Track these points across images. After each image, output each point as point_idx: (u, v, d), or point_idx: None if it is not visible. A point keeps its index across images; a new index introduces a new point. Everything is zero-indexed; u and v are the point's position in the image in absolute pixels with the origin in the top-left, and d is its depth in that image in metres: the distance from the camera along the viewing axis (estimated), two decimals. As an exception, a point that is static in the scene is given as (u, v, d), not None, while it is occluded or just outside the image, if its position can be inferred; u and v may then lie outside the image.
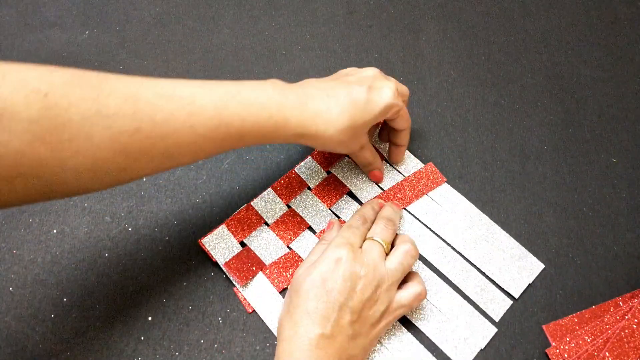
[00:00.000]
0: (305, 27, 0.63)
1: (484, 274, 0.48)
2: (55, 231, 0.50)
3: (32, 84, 0.32)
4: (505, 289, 0.48)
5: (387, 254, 0.44)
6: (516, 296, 0.47)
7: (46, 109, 0.32)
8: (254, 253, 0.48)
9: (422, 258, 0.49)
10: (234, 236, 0.49)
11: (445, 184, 0.52)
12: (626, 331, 0.46)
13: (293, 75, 0.59)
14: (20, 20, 0.61)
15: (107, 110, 0.34)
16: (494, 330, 0.46)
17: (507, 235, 0.50)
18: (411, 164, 0.53)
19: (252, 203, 0.50)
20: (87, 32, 0.61)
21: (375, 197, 0.51)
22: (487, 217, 0.51)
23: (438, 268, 0.48)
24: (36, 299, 0.46)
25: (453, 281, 0.48)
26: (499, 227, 0.50)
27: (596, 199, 0.53)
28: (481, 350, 0.45)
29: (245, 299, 0.47)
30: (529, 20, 0.64)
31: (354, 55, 0.61)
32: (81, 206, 0.51)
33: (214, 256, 0.48)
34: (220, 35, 0.62)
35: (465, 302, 0.47)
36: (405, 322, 0.46)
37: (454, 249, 0.49)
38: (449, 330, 0.46)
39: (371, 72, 0.46)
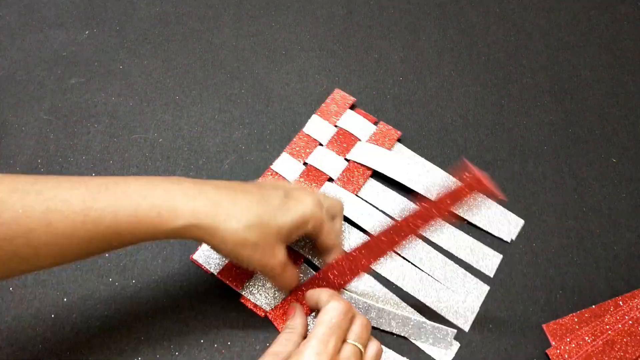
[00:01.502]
0: (305, 27, 0.63)
1: (471, 233, 0.50)
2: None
3: None
4: (497, 236, 0.50)
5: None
6: (509, 240, 0.50)
7: None
8: None
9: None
10: None
11: (419, 157, 0.54)
12: (626, 331, 0.46)
13: (293, 75, 0.59)
14: (20, 20, 0.61)
15: None
16: (487, 288, 0.48)
17: (484, 197, 0.51)
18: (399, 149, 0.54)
19: None
20: (87, 32, 0.61)
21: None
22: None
23: (428, 237, 0.50)
24: (36, 299, 0.46)
25: (444, 247, 0.49)
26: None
27: (596, 199, 0.53)
28: (481, 350, 0.45)
29: (255, 304, 0.46)
30: (529, 20, 0.64)
31: (354, 55, 0.61)
32: (81, 206, 0.51)
33: (208, 268, 0.48)
34: (220, 35, 0.62)
35: (457, 265, 0.48)
36: (406, 296, 0.46)
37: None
38: (447, 297, 0.47)
39: (296, 185, 0.42)
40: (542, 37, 0.63)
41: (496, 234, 0.50)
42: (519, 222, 0.51)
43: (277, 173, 0.52)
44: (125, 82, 0.58)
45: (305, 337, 0.41)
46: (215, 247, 0.37)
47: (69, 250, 0.34)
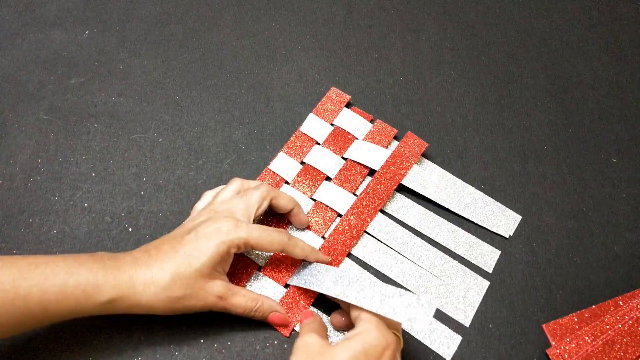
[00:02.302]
0: (305, 27, 0.63)
1: (470, 231, 0.51)
2: (55, 231, 0.50)
3: None
4: (495, 231, 0.51)
5: None
6: (507, 235, 0.50)
7: None
8: (246, 257, 0.48)
9: (409, 227, 0.51)
10: None
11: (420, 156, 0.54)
12: (626, 331, 0.46)
13: (293, 75, 0.59)
14: (20, 20, 0.61)
15: None
16: (487, 283, 0.48)
17: (482, 194, 0.52)
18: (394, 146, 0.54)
19: None
20: (87, 32, 0.61)
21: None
22: (461, 180, 0.53)
23: (426, 234, 0.50)
24: (36, 299, 0.46)
25: (442, 243, 0.50)
26: (473, 187, 0.53)
27: (596, 199, 0.53)
28: (481, 350, 0.45)
29: None
30: (528, 20, 0.64)
31: (354, 55, 0.61)
32: (81, 206, 0.51)
33: None
34: (220, 35, 0.62)
35: (457, 262, 0.49)
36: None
37: (436, 212, 0.52)
38: (447, 292, 0.47)
39: (203, 217, 0.42)
40: (542, 37, 0.63)
41: (494, 230, 0.51)
42: (517, 218, 0.52)
43: (275, 173, 0.52)
44: (125, 82, 0.58)
45: (324, 327, 0.42)
46: (148, 312, 0.40)
47: (4, 326, 0.36)
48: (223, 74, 0.59)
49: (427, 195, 0.52)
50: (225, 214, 0.42)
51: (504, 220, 0.51)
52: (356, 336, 0.36)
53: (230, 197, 0.44)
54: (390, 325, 0.39)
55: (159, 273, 0.39)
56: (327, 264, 0.46)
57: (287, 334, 0.45)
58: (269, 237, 0.42)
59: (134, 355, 0.44)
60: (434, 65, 0.60)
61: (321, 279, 0.43)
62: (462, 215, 0.51)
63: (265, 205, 0.45)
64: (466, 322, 0.46)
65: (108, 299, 0.38)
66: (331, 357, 0.35)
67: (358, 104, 0.57)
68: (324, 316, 0.46)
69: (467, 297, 0.47)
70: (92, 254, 0.40)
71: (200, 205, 0.46)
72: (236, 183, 0.46)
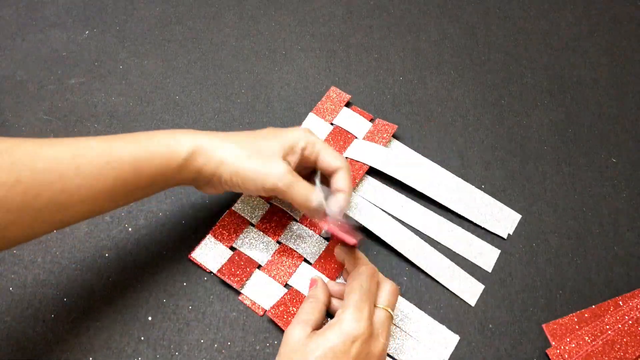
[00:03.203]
0: (305, 27, 0.63)
1: (469, 230, 0.51)
2: (55, 231, 0.50)
3: None
4: (493, 232, 0.51)
5: None
6: (505, 236, 0.50)
7: None
8: (245, 255, 0.48)
9: (407, 226, 0.51)
10: (222, 243, 0.49)
11: (416, 153, 0.54)
12: (626, 331, 0.46)
13: (293, 75, 0.59)
14: (20, 20, 0.61)
15: None
16: (481, 287, 0.48)
17: (482, 192, 0.53)
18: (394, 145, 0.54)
19: (233, 207, 0.50)
20: (87, 32, 0.61)
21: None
22: (461, 179, 0.53)
23: (425, 233, 0.50)
24: (36, 299, 0.46)
25: (441, 242, 0.50)
26: (473, 186, 0.53)
27: (596, 199, 0.53)
28: (481, 350, 0.45)
29: (254, 302, 0.46)
30: (529, 20, 0.64)
31: (354, 56, 0.61)
32: (81, 206, 0.51)
33: (206, 267, 0.48)
34: (220, 35, 0.62)
35: (453, 263, 0.49)
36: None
37: (436, 212, 0.52)
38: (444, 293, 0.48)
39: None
40: (542, 37, 0.63)
41: (492, 230, 0.51)
42: (516, 217, 0.52)
43: None
44: (125, 82, 0.58)
45: (328, 304, 0.43)
46: (219, 175, 0.41)
47: (99, 194, 0.37)
48: (223, 74, 0.59)
49: (427, 194, 0.52)
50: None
51: (503, 220, 0.51)
52: (330, 328, 0.38)
53: None
54: (388, 297, 0.41)
55: (238, 137, 0.42)
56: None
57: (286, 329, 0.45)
58: (331, 151, 0.44)
59: (133, 355, 0.44)
60: (434, 65, 0.60)
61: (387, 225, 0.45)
62: (462, 214, 0.51)
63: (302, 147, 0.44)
64: (472, 301, 0.48)
65: (187, 152, 0.39)
66: (304, 354, 0.37)
67: (358, 104, 0.57)
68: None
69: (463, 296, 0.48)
70: (168, 129, 0.42)
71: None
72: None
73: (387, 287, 0.41)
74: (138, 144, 0.38)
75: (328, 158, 0.44)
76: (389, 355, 0.45)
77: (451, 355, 0.45)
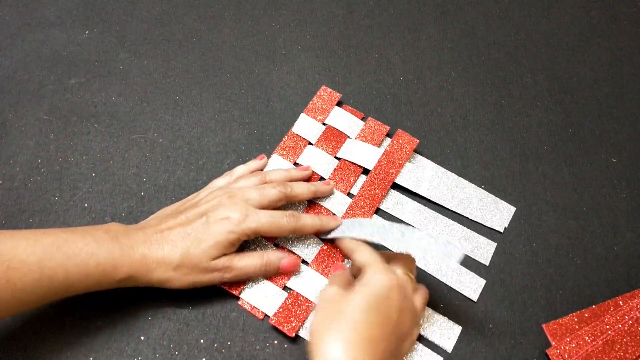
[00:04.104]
0: (305, 27, 0.63)
1: (465, 225, 0.51)
2: (55, 231, 0.50)
3: None
4: (489, 226, 0.51)
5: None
6: (501, 229, 0.51)
7: None
8: None
9: (405, 224, 0.51)
10: None
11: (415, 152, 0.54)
12: (626, 331, 0.46)
13: (293, 75, 0.59)
14: (20, 20, 0.61)
15: None
16: (482, 282, 0.48)
17: (475, 187, 0.53)
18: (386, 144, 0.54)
19: None
20: (87, 32, 0.61)
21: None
22: (454, 174, 0.53)
23: (421, 229, 0.50)
24: (36, 299, 0.46)
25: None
26: (467, 181, 0.53)
27: (596, 199, 0.53)
28: (481, 350, 0.45)
29: (253, 307, 0.46)
30: (529, 20, 0.64)
31: (354, 56, 0.61)
32: (81, 206, 0.51)
33: None
34: (220, 35, 0.62)
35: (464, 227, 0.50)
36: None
37: (432, 208, 0.52)
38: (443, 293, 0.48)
39: (217, 200, 0.44)
40: (542, 37, 0.63)
41: (488, 225, 0.51)
42: (511, 210, 0.52)
43: None
44: (125, 82, 0.58)
45: (348, 280, 0.44)
46: (155, 285, 0.43)
47: (26, 302, 0.38)
48: (223, 74, 0.59)
49: (420, 193, 0.52)
50: (239, 200, 0.44)
51: (498, 215, 0.51)
52: (366, 280, 0.40)
53: (249, 186, 0.46)
54: (405, 266, 0.43)
55: (170, 253, 0.41)
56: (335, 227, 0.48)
57: (293, 334, 0.45)
58: (278, 224, 0.44)
59: (133, 355, 0.44)
60: (434, 65, 0.60)
61: (358, 228, 0.46)
62: (457, 211, 0.51)
63: (280, 204, 0.47)
64: (474, 296, 0.48)
65: (123, 277, 0.41)
66: (347, 302, 0.39)
67: (358, 104, 0.57)
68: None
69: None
70: (106, 229, 0.42)
71: (219, 182, 0.49)
72: (258, 176, 0.48)
73: (403, 256, 0.44)
74: (74, 263, 0.39)
75: (283, 233, 0.46)
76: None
77: (451, 355, 0.45)
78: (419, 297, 0.43)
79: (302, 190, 0.48)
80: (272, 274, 0.47)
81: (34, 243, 0.38)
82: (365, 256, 0.43)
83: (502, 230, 0.51)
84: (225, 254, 0.43)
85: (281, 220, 0.44)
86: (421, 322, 0.45)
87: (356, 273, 0.44)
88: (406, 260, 0.44)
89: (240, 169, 0.50)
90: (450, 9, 0.65)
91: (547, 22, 0.64)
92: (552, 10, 0.65)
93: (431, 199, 0.52)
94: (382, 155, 0.53)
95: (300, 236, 0.48)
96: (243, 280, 0.46)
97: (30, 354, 0.44)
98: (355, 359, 0.36)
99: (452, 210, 0.51)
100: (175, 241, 0.42)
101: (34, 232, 0.39)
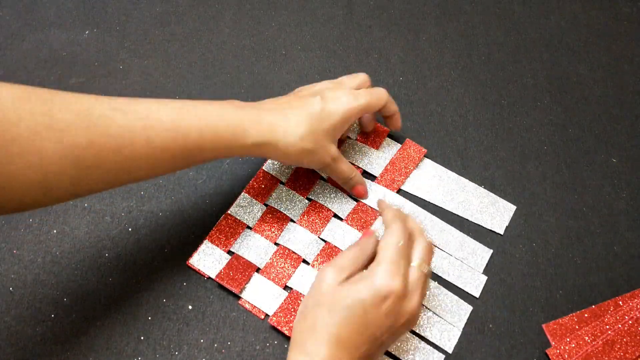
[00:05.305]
0: (305, 27, 0.63)
1: (462, 229, 0.50)
2: (55, 231, 0.50)
3: None
4: (489, 228, 0.50)
5: None
6: (501, 232, 0.50)
7: None
8: (243, 259, 0.48)
9: None
10: (220, 248, 0.49)
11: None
12: (626, 331, 0.46)
13: (293, 75, 0.59)
14: (20, 20, 0.61)
15: (59, 124, 0.34)
16: (484, 278, 0.48)
17: (475, 185, 0.52)
18: (388, 146, 0.54)
19: (229, 211, 0.50)
20: (87, 32, 0.61)
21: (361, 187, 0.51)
22: (454, 173, 0.53)
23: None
24: (36, 299, 0.46)
25: (434, 244, 0.49)
26: (467, 180, 0.52)
27: (596, 199, 0.53)
28: (481, 350, 0.45)
29: (254, 306, 0.46)
30: (529, 20, 0.64)
31: (354, 56, 0.61)
32: (81, 206, 0.51)
33: (205, 272, 0.48)
34: (220, 35, 0.62)
35: (454, 257, 0.49)
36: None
37: (430, 210, 0.51)
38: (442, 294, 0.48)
39: (323, 84, 0.48)
40: (542, 37, 0.63)
41: (488, 227, 0.50)
42: (511, 208, 0.51)
43: (269, 174, 0.52)
44: (125, 82, 0.58)
45: (370, 261, 0.41)
46: (279, 159, 0.45)
47: (162, 162, 0.39)
48: (223, 74, 0.59)
49: (420, 196, 0.52)
50: (344, 87, 0.47)
51: (499, 216, 0.51)
52: (362, 280, 0.38)
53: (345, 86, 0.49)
54: (422, 257, 0.41)
55: (296, 125, 0.43)
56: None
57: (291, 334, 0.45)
58: (377, 95, 0.48)
59: (133, 355, 0.44)
60: (434, 65, 0.60)
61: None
62: (457, 213, 0.51)
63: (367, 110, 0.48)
64: (476, 292, 0.48)
65: (252, 142, 0.41)
66: (340, 298, 0.38)
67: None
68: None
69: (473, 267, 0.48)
70: (229, 101, 0.43)
71: (314, 84, 0.50)
72: (356, 79, 0.50)
73: (422, 243, 0.41)
74: (206, 124, 0.40)
75: (368, 126, 0.52)
76: (390, 355, 0.45)
77: (451, 355, 0.45)
78: (427, 284, 0.42)
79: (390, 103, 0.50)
80: (349, 188, 0.50)
81: (165, 106, 0.39)
82: (385, 247, 0.40)
83: (502, 233, 0.51)
84: (335, 144, 0.46)
85: (376, 94, 0.48)
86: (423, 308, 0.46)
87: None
88: (425, 247, 0.41)
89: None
90: (450, 9, 0.65)
91: (547, 22, 0.64)
92: (552, 10, 0.65)
93: (431, 201, 0.51)
94: (389, 164, 0.52)
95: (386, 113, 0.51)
96: (245, 278, 0.46)
97: (30, 354, 0.44)
98: (330, 357, 0.36)
99: (451, 212, 0.51)
100: (298, 115, 0.43)
101: (160, 100, 0.40)
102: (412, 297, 0.39)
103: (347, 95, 0.45)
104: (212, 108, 0.41)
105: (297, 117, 0.43)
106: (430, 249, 0.42)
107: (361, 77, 0.50)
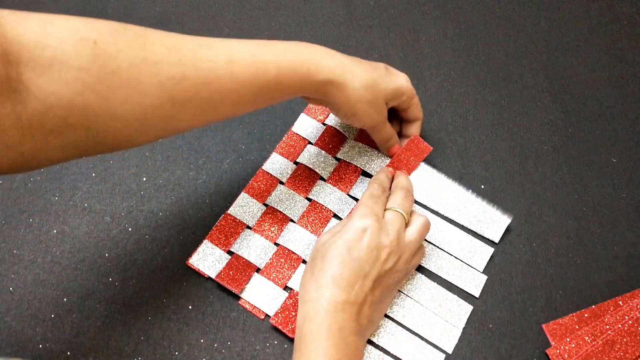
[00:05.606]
0: (305, 27, 0.63)
1: (462, 229, 0.50)
2: (55, 231, 0.50)
3: (80, 32, 0.33)
4: (485, 236, 0.50)
5: (406, 225, 0.45)
6: (496, 241, 0.50)
7: (95, 56, 0.33)
8: (243, 259, 0.48)
9: None
10: (220, 248, 0.49)
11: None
12: (626, 331, 0.46)
13: (293, 75, 0.59)
14: (20, 20, 0.61)
15: (154, 57, 0.35)
16: (484, 278, 0.49)
17: (470, 194, 0.52)
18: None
19: (229, 211, 0.50)
20: (87, 32, 0.61)
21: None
22: (450, 180, 0.53)
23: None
24: (36, 299, 0.46)
25: (434, 243, 0.50)
26: (463, 188, 0.52)
27: (596, 199, 0.53)
28: (481, 350, 0.45)
29: (254, 306, 0.46)
30: (529, 20, 0.64)
31: (354, 55, 0.61)
32: (81, 206, 0.51)
33: (205, 272, 0.48)
34: (220, 35, 0.62)
35: (453, 257, 0.49)
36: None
37: (430, 210, 0.52)
38: (442, 295, 0.48)
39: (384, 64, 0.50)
40: (542, 37, 0.63)
41: (485, 235, 0.50)
42: (505, 220, 0.51)
43: (268, 174, 0.52)
44: (125, 82, 0.58)
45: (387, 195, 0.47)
46: (340, 103, 0.45)
47: (245, 98, 0.40)
48: (223, 74, 0.59)
49: (418, 200, 0.51)
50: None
51: (494, 226, 0.50)
52: (343, 225, 0.44)
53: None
54: (399, 202, 0.45)
55: (364, 74, 0.45)
56: None
57: (293, 335, 0.45)
58: (419, 103, 0.51)
59: (133, 355, 0.44)
60: (434, 65, 0.60)
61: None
62: (453, 219, 0.51)
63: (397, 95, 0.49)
64: (476, 292, 0.48)
65: (323, 79, 0.43)
66: (329, 246, 0.43)
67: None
68: None
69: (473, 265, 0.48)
70: (303, 42, 0.44)
71: None
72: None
73: (399, 193, 0.46)
74: (284, 59, 0.41)
75: (415, 112, 0.51)
76: (391, 356, 0.45)
77: (451, 355, 0.45)
78: (414, 229, 0.45)
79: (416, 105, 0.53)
80: (386, 148, 0.52)
81: (246, 43, 0.40)
82: (362, 197, 0.46)
83: (497, 241, 0.50)
84: (386, 108, 0.48)
85: (417, 100, 0.52)
86: (423, 251, 0.47)
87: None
88: (403, 197, 0.46)
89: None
90: (450, 9, 0.65)
91: (547, 22, 0.64)
92: (552, 10, 0.65)
93: (428, 206, 0.51)
94: (389, 163, 0.53)
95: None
96: (245, 278, 0.47)
97: (31, 354, 0.44)
98: (328, 297, 0.40)
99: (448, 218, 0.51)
100: (365, 69, 0.45)
101: (240, 40, 0.41)
102: (388, 231, 0.43)
103: (405, 77, 0.49)
104: (289, 45, 0.42)
105: (365, 67, 0.45)
106: (409, 197, 0.47)
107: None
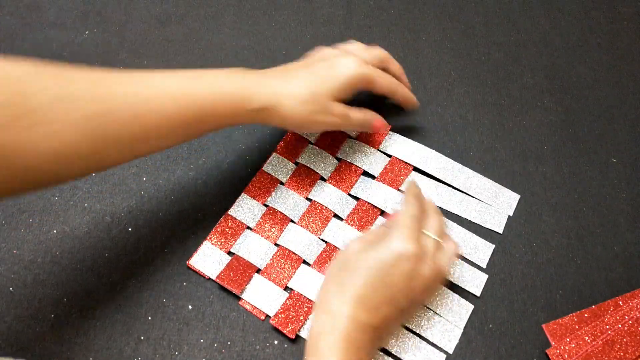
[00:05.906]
0: (305, 27, 0.63)
1: (463, 224, 0.50)
2: (55, 231, 0.50)
3: (2, 70, 0.33)
4: (489, 227, 0.50)
5: None
6: (500, 231, 0.50)
7: (16, 94, 0.33)
8: (243, 259, 0.48)
9: None
10: (220, 249, 0.49)
11: (415, 142, 0.54)
12: (626, 331, 0.46)
13: (293, 75, 0.59)
14: (20, 20, 0.61)
15: (76, 93, 0.35)
16: (485, 277, 0.48)
17: (479, 175, 0.52)
18: (389, 146, 0.54)
19: (229, 212, 0.50)
20: (87, 32, 0.61)
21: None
22: (459, 164, 0.53)
23: None
24: (36, 299, 0.46)
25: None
26: (471, 170, 0.53)
27: (596, 199, 0.53)
28: (481, 350, 0.45)
29: (255, 307, 0.46)
30: (529, 20, 0.64)
31: (354, 55, 0.61)
32: (81, 206, 0.51)
33: (205, 273, 0.48)
34: (220, 35, 0.62)
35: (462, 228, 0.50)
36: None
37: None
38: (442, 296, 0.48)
39: (334, 50, 0.49)
40: (542, 37, 0.63)
41: (488, 226, 0.50)
42: (515, 197, 0.52)
43: (268, 174, 0.52)
44: (125, 82, 0.58)
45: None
46: (283, 124, 0.45)
47: (174, 131, 0.40)
48: (223, 74, 0.59)
49: (426, 170, 0.52)
50: (353, 55, 0.48)
51: (501, 211, 0.51)
52: (381, 243, 0.41)
53: (357, 48, 0.51)
54: (435, 229, 0.43)
55: (298, 88, 0.44)
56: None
57: (293, 336, 0.45)
58: (385, 78, 0.49)
59: (133, 355, 0.44)
60: (434, 65, 0.60)
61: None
62: (456, 213, 0.51)
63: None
64: (477, 291, 0.48)
65: (256, 107, 0.43)
66: (362, 261, 0.40)
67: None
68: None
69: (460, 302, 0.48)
70: (232, 69, 0.44)
71: (325, 49, 0.50)
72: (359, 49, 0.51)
73: (435, 217, 0.44)
74: (215, 90, 0.41)
75: (384, 87, 0.50)
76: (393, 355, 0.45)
77: (451, 355, 0.45)
78: (447, 259, 0.43)
79: (396, 67, 0.53)
80: (368, 129, 0.51)
81: (176, 75, 0.41)
82: (401, 215, 0.42)
83: (501, 232, 0.50)
84: (341, 102, 0.47)
85: (386, 76, 0.49)
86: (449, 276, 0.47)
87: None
88: (439, 222, 0.44)
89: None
90: (450, 9, 0.65)
91: (547, 22, 0.64)
92: (552, 10, 0.65)
93: (438, 177, 0.52)
94: (389, 163, 0.52)
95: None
96: (245, 279, 0.46)
97: (30, 354, 0.44)
98: (352, 315, 0.38)
99: (452, 213, 0.51)
100: (301, 78, 0.45)
101: (170, 71, 0.41)
102: (426, 261, 0.41)
103: (354, 62, 0.46)
104: (221, 75, 0.42)
105: (299, 82, 0.44)
106: (442, 222, 0.44)
107: (376, 52, 0.51)
